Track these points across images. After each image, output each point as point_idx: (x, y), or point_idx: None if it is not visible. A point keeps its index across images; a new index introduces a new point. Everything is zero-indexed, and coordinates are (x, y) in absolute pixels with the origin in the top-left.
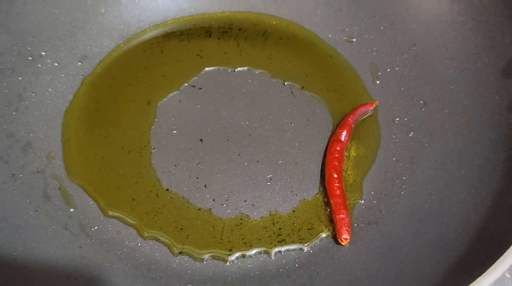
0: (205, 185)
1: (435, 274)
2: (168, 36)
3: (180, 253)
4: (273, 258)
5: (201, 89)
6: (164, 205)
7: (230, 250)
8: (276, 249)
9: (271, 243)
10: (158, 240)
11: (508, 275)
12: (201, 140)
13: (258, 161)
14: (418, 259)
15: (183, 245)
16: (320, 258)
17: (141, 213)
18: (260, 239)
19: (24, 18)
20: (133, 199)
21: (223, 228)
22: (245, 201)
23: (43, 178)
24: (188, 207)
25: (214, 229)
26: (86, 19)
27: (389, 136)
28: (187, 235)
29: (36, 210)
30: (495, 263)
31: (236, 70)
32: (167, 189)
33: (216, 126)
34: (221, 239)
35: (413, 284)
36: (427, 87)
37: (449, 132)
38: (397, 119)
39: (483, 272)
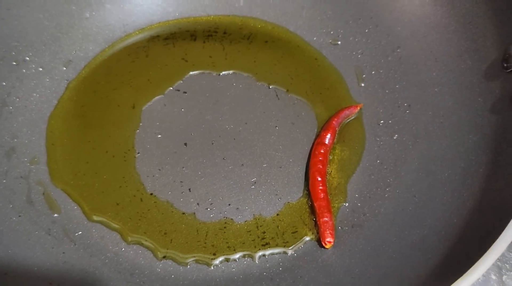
0: (189, 189)
1: (417, 276)
2: (153, 40)
3: (164, 257)
4: (257, 262)
5: (185, 93)
6: (148, 210)
7: (214, 254)
8: (260, 253)
9: (255, 247)
10: (142, 244)
11: (493, 277)
12: (185, 144)
13: (242, 164)
14: (401, 262)
15: (167, 249)
16: (304, 262)
17: (125, 218)
18: (244, 243)
19: (8, 23)
20: (117, 204)
21: (207, 232)
22: (229, 205)
23: (26, 183)
24: (172, 212)
25: (198, 233)
26: (71, 24)
27: (373, 138)
28: (171, 240)
29: (19, 216)
30: (475, 264)
31: (221, 73)
32: (151, 194)
33: (200, 130)
34: (205, 243)
35: None
36: (412, 90)
37: (433, 134)
38: (382, 121)
39: (464, 274)
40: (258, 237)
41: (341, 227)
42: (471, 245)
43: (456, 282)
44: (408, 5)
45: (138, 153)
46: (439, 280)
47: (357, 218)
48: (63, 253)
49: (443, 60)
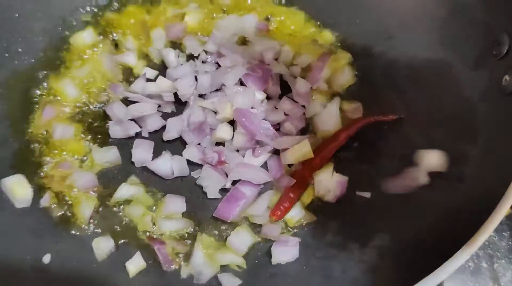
0: None
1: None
2: None
3: None
4: None
5: None
6: None
7: None
8: None
9: None
10: None
11: (485, 265)
12: None
13: None
14: (390, 249)
15: None
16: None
17: None
18: None
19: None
20: None
21: None
22: None
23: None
24: None
25: None
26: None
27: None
28: None
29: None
30: (462, 248)
31: None
32: None
33: None
34: None
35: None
36: (403, 79)
37: (423, 123)
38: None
39: (451, 257)
40: None
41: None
42: (459, 229)
43: (442, 266)
44: None
45: None
46: (425, 266)
47: (351, 207)
48: (56, 242)
49: (433, 49)
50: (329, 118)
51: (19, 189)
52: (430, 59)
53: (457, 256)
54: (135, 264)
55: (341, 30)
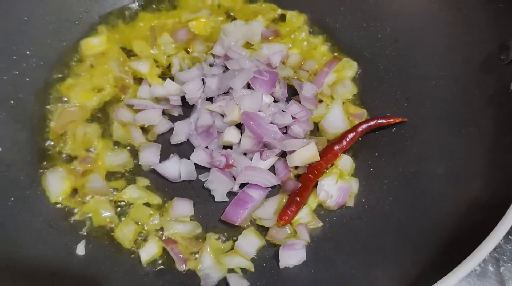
0: None
1: (414, 264)
2: None
3: None
4: None
5: None
6: None
7: None
8: None
9: None
10: None
11: (491, 268)
12: None
13: None
14: (398, 252)
15: None
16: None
17: None
18: None
19: (9, 18)
20: None
21: None
22: None
23: (28, 176)
24: None
25: None
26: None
27: (371, 131)
28: None
29: (21, 208)
30: (471, 254)
31: None
32: None
33: None
34: None
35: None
36: (409, 83)
37: (431, 126)
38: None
39: (460, 263)
40: None
41: (341, 219)
42: (467, 236)
43: (452, 271)
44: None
45: None
46: (435, 270)
47: (356, 210)
48: (65, 244)
49: (441, 53)
50: (336, 119)
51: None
52: (436, 63)
53: (466, 262)
54: (148, 252)
55: (347, 34)
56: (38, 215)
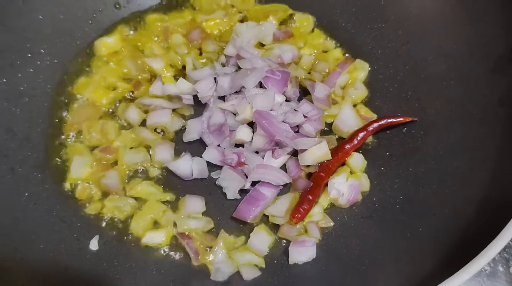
0: None
1: (423, 263)
2: None
3: None
4: None
5: None
6: None
7: None
8: None
9: None
10: None
11: (501, 268)
12: None
13: None
14: (408, 251)
15: None
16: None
17: None
18: None
19: (23, 16)
20: None
21: None
22: None
23: (41, 171)
24: None
25: None
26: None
27: (383, 131)
28: None
29: (35, 203)
30: (480, 253)
31: None
32: None
33: None
34: None
35: (405, 274)
36: (420, 83)
37: (441, 127)
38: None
39: (469, 262)
40: None
41: (352, 218)
42: (478, 235)
43: (461, 269)
44: (417, 1)
45: None
46: (445, 268)
47: (367, 209)
48: (78, 240)
49: (452, 55)
50: (348, 118)
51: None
52: (447, 63)
53: (475, 261)
54: (152, 237)
55: (358, 35)
56: (51, 210)
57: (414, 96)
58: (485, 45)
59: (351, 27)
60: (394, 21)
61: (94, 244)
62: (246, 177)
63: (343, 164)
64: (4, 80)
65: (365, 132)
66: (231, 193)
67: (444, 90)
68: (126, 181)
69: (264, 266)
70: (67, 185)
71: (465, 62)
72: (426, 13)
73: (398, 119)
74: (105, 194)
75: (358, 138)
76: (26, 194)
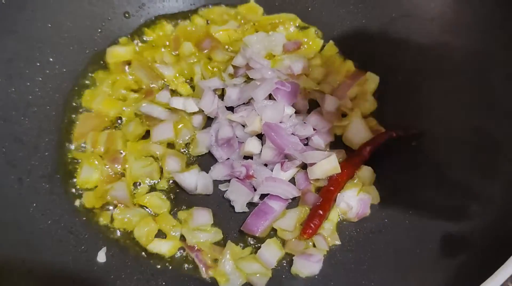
0: None
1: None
2: None
3: None
4: None
5: None
6: None
7: None
8: None
9: None
10: None
11: (510, 285)
12: None
13: None
14: (418, 266)
15: None
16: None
17: None
18: None
19: (33, 25)
20: None
21: None
22: None
23: (49, 182)
24: None
25: None
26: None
27: (392, 143)
28: None
29: (42, 214)
30: (494, 273)
31: None
32: None
33: None
34: None
35: None
36: (428, 94)
37: (451, 139)
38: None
39: (482, 282)
40: None
41: (361, 233)
42: (490, 253)
43: None
44: (427, 10)
45: None
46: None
47: (376, 224)
48: (85, 252)
49: (459, 63)
50: (358, 129)
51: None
52: (458, 75)
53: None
54: (159, 246)
55: (367, 46)
56: (59, 221)
57: (422, 107)
58: (497, 53)
59: (360, 38)
60: (404, 33)
61: (101, 256)
62: (255, 190)
63: (352, 177)
64: (13, 89)
65: (374, 144)
66: (239, 206)
67: (453, 102)
68: (133, 191)
69: (271, 276)
70: (76, 199)
71: (476, 73)
72: (435, 22)
73: (408, 132)
74: (113, 205)
75: (367, 151)
76: (34, 204)
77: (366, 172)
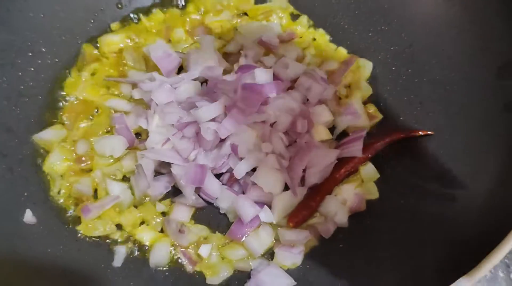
0: None
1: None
2: None
3: None
4: None
5: None
6: None
7: None
8: None
9: None
10: None
11: (501, 274)
12: None
13: None
14: (409, 256)
15: None
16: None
17: None
18: None
19: (25, 15)
20: None
21: None
22: None
23: (40, 171)
24: None
25: None
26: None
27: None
28: None
29: (34, 204)
30: (482, 261)
31: None
32: None
33: None
34: None
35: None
36: (423, 87)
37: (444, 132)
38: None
39: (471, 270)
40: None
41: (356, 229)
42: (479, 242)
43: (463, 276)
44: (421, 4)
45: None
46: (445, 275)
47: (371, 221)
48: (79, 250)
49: (456, 59)
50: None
51: None
52: (452, 68)
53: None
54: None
55: (361, 37)
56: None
57: (416, 100)
58: (491, 50)
59: (354, 30)
60: (397, 24)
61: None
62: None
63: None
64: (4, 79)
65: (377, 145)
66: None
67: (447, 94)
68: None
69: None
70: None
71: (469, 66)
72: (430, 16)
73: (411, 133)
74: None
75: (371, 150)
76: (25, 194)
77: (369, 169)
